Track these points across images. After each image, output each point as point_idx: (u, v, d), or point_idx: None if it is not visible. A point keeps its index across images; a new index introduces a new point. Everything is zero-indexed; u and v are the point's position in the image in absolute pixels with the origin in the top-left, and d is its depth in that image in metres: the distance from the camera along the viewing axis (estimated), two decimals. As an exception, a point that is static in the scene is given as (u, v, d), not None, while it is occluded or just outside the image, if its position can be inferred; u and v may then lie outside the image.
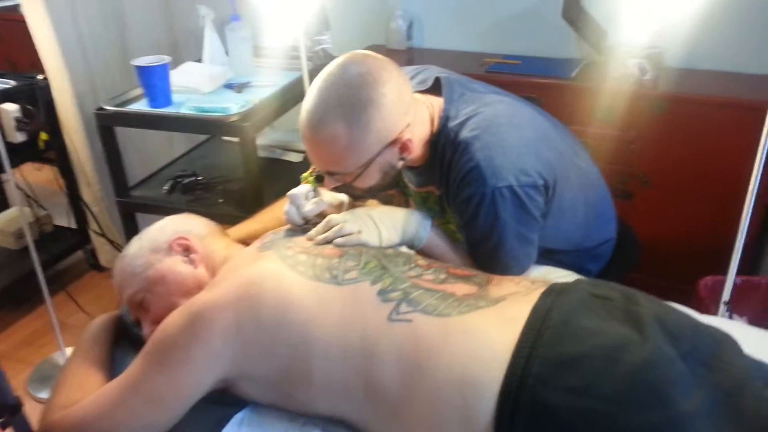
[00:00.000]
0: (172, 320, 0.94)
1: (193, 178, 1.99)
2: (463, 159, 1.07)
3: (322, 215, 1.12)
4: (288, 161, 2.19)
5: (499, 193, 1.05)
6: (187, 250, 1.12)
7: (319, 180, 1.15)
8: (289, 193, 1.13)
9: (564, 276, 1.23)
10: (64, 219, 2.47)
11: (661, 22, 1.96)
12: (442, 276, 1.00)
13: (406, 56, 2.33)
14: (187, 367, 0.90)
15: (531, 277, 1.14)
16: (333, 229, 1.06)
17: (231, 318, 0.92)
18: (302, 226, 1.12)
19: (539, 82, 2.02)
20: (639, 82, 1.94)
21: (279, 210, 1.52)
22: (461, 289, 0.97)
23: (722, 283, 1.51)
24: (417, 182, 1.26)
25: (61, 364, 1.98)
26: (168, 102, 1.80)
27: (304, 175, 1.17)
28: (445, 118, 1.12)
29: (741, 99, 1.86)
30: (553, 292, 0.91)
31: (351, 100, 0.99)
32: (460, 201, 1.10)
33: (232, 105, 1.74)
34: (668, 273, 1.93)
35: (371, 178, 1.08)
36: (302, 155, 2.20)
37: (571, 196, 1.18)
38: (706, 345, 0.82)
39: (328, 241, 1.05)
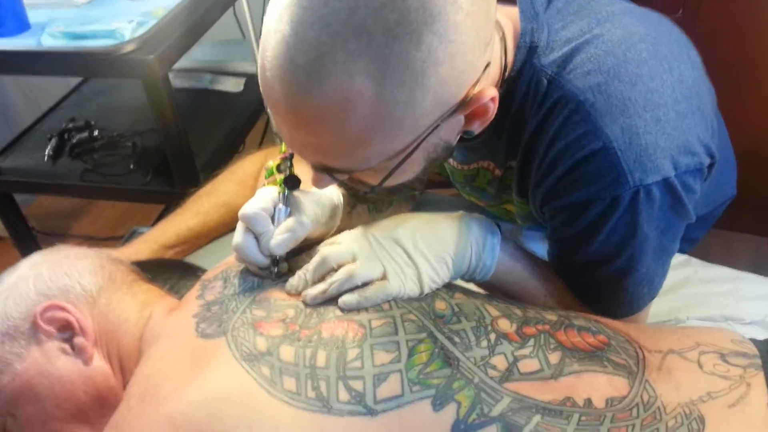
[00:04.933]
0: None
1: (86, 133, 1.42)
2: (575, 132, 0.59)
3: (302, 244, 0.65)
4: (222, 92, 1.62)
5: (645, 195, 0.59)
6: (65, 329, 0.64)
7: (290, 183, 0.65)
8: (242, 213, 0.64)
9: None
10: None
11: None
12: (553, 356, 0.57)
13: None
14: None
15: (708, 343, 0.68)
16: (337, 278, 0.60)
17: None
18: (267, 269, 0.65)
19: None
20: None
21: (224, 190, 1.04)
22: (599, 385, 0.55)
23: None
24: (463, 157, 0.79)
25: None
26: (22, 26, 1.19)
27: (270, 164, 0.67)
28: (528, 49, 0.63)
29: None
30: None
31: (385, 26, 0.47)
32: (565, 204, 0.63)
33: (123, 24, 1.14)
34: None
35: (409, 171, 0.59)
36: (242, 81, 1.64)
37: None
38: None
39: (330, 298, 0.60)
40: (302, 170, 0.83)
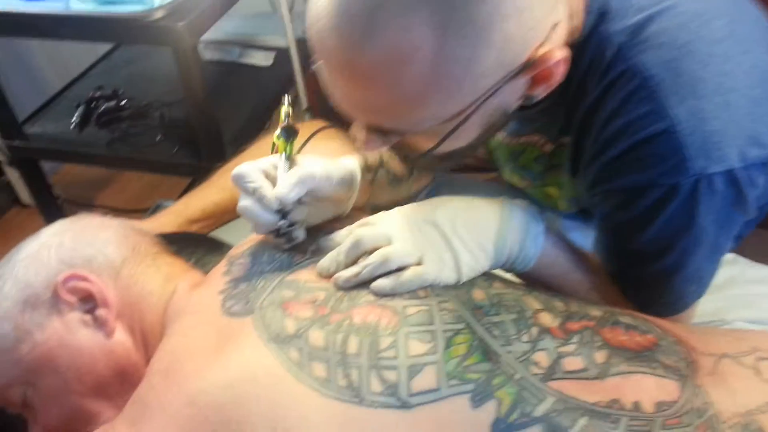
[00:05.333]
0: None
1: (113, 102, 1.40)
2: (637, 111, 0.54)
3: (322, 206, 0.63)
4: (251, 65, 1.59)
5: (706, 185, 0.55)
6: (87, 300, 0.62)
7: (288, 132, 0.61)
8: (234, 172, 0.61)
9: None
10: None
11: None
12: (599, 354, 0.53)
13: None
14: None
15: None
16: (371, 261, 0.57)
17: None
18: (282, 233, 0.62)
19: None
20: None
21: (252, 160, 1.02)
22: (648, 388, 0.51)
23: None
24: (515, 128, 0.74)
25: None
26: (52, -10, 1.18)
27: (274, 138, 0.64)
28: (597, 14, 0.57)
29: None
30: None
31: None
32: (618, 187, 0.59)
33: (155, -10, 1.12)
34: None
35: (463, 137, 0.55)
36: (272, 55, 1.60)
37: None
38: None
39: (362, 282, 0.57)
40: (328, 147, 0.80)
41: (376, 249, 0.58)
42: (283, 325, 0.53)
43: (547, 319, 0.56)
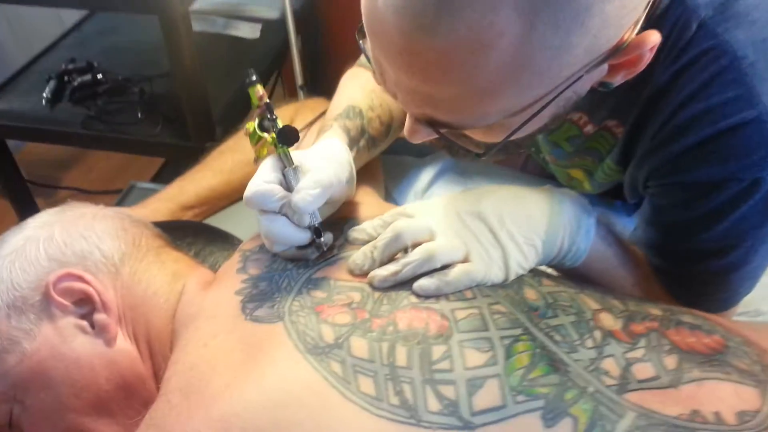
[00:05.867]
0: None
1: (88, 76, 1.30)
2: (723, 94, 0.48)
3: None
4: (237, 38, 1.49)
5: None
6: (83, 303, 0.54)
7: (285, 136, 0.54)
8: (245, 197, 0.53)
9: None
10: None
11: None
12: (669, 360, 0.48)
13: None
14: None
15: None
16: (413, 258, 0.50)
17: None
18: (310, 246, 0.56)
19: None
20: None
21: (249, 147, 0.94)
22: (725, 396, 0.46)
23: None
24: None
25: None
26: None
27: (250, 126, 0.56)
28: None
29: None
30: None
31: None
32: (687, 182, 0.53)
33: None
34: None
35: (528, 128, 0.47)
36: (258, 27, 1.50)
37: None
38: None
39: (402, 282, 0.50)
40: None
41: (416, 244, 0.52)
42: (320, 332, 0.47)
43: (608, 321, 0.51)
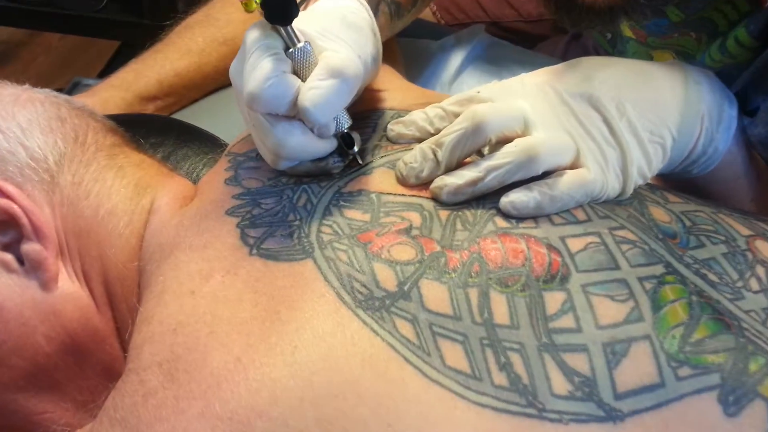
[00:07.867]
0: None
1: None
2: None
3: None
4: None
5: None
6: (5, 229, 0.37)
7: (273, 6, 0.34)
8: (249, 94, 0.34)
9: None
10: None
11: None
12: None
13: None
14: None
15: None
16: (503, 160, 0.34)
17: None
18: (334, 158, 0.38)
19: None
20: None
21: (225, 20, 0.72)
22: None
23: None
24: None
25: None
26: None
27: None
28: None
29: None
30: None
31: None
32: None
33: None
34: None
35: None
36: None
37: None
38: None
39: (483, 194, 0.35)
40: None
41: (503, 141, 0.35)
42: (374, 274, 0.31)
43: (760, 245, 0.36)
